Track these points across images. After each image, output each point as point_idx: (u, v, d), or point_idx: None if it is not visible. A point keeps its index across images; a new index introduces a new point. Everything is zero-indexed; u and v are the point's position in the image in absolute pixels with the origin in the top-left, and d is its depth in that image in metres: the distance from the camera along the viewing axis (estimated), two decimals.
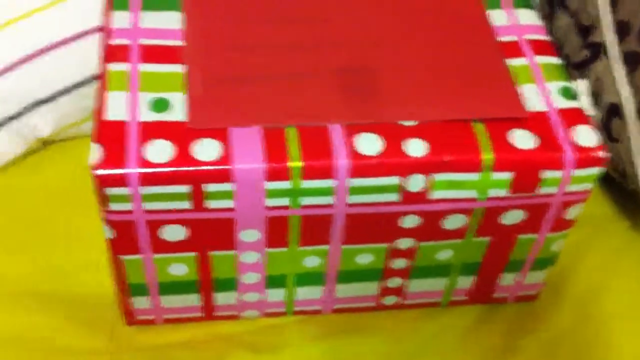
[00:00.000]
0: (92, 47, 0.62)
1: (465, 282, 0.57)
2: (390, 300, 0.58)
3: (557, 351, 0.58)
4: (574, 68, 0.65)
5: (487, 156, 0.48)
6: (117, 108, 0.47)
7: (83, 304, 0.57)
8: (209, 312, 0.56)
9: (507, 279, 0.58)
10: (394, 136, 0.48)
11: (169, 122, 0.47)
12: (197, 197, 0.46)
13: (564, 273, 0.62)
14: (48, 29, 0.61)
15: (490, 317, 0.60)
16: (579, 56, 0.64)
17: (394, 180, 0.48)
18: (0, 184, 0.65)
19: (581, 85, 0.62)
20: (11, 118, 0.62)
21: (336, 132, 0.48)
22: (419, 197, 0.49)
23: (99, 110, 0.47)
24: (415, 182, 0.48)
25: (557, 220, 0.53)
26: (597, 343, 0.58)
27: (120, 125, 0.47)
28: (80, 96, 0.63)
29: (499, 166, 0.48)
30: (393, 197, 0.49)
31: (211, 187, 0.46)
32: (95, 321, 0.56)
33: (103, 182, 0.45)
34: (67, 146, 0.68)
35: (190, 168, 0.45)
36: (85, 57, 0.62)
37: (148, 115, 0.47)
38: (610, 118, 0.62)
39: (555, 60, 0.54)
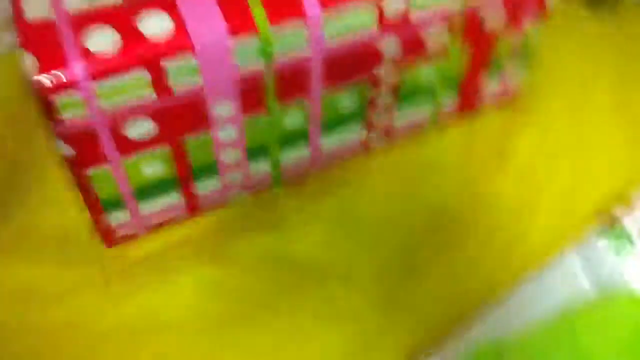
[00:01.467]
0: None
1: (449, 101, 0.53)
2: (377, 140, 0.53)
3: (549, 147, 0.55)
4: None
5: None
6: (37, 1, 0.40)
7: (55, 241, 0.51)
8: (193, 208, 0.50)
9: (490, 85, 0.54)
10: None
11: (104, 6, 0.40)
12: (159, 80, 0.40)
13: (543, 68, 0.59)
14: None
15: (479, 127, 0.56)
16: None
17: (370, 6, 0.42)
18: None
19: None
20: None
21: None
22: (398, 19, 0.44)
23: (16, 9, 0.39)
24: (394, 3, 0.43)
25: (535, 9, 0.49)
26: (588, 133, 0.56)
27: (47, 22, 0.39)
28: None
29: None
30: (370, 25, 0.43)
31: (172, 64, 0.39)
32: (80, 255, 0.50)
33: (48, 89, 0.37)
34: None
35: (143, 47, 0.38)
36: None
37: (76, 2, 0.40)
38: None
39: None
